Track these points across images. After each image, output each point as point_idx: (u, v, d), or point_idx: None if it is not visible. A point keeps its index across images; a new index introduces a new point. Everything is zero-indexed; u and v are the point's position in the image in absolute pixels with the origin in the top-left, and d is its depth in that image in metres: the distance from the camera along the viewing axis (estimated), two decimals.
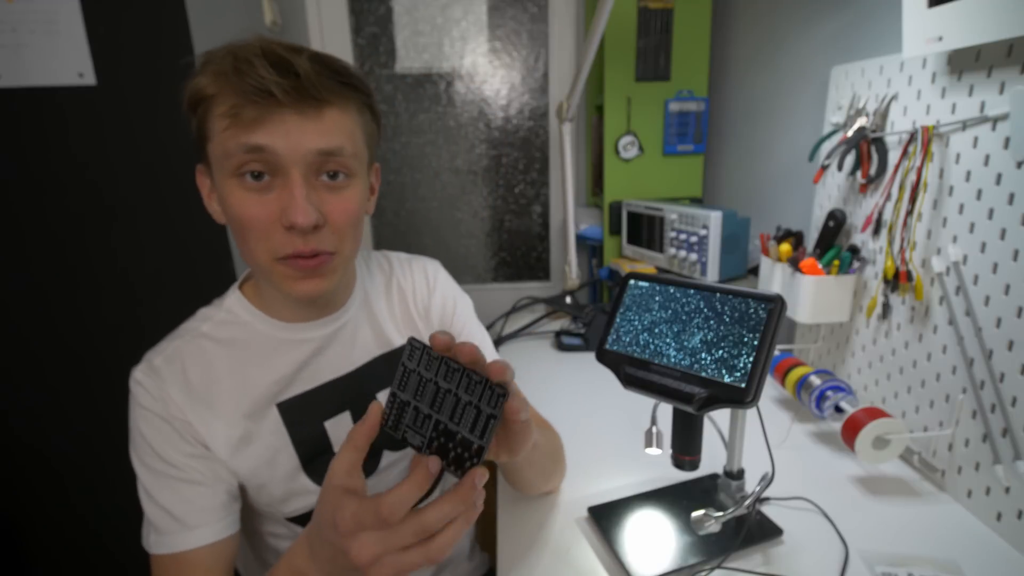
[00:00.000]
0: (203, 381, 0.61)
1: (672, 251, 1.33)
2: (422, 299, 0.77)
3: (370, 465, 0.70)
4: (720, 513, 0.63)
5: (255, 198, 0.54)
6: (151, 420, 0.59)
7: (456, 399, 0.42)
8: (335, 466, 0.43)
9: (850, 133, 0.87)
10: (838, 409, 0.82)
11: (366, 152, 0.61)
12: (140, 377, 0.61)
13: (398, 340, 0.73)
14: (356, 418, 0.68)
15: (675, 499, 0.74)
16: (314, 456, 0.66)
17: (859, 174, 0.87)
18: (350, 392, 0.68)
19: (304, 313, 0.65)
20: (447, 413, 0.42)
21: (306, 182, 0.54)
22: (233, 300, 0.66)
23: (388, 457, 0.72)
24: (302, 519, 0.68)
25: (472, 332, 0.80)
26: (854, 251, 0.90)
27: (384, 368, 0.72)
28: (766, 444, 0.68)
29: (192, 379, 0.61)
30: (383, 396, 0.71)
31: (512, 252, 2.12)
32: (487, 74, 1.88)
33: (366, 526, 0.40)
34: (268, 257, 0.56)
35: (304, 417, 0.65)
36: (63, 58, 1.13)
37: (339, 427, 0.68)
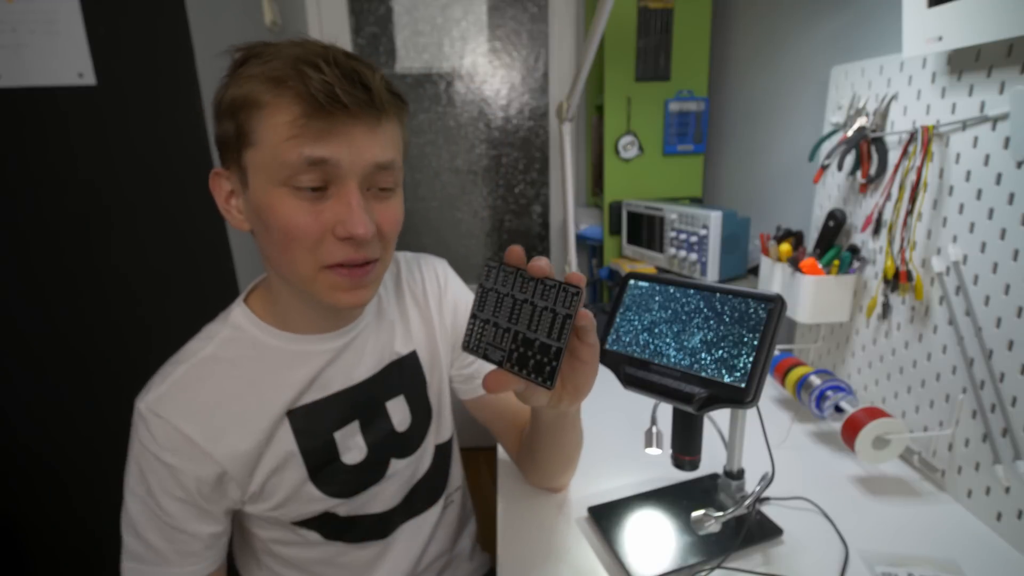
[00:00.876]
0: (213, 404, 0.59)
1: (672, 251, 1.33)
2: (434, 298, 0.76)
3: (377, 472, 0.69)
4: (720, 513, 0.63)
5: (307, 207, 0.52)
6: (149, 461, 0.58)
7: (532, 307, 0.44)
8: None
9: (850, 133, 0.87)
10: (838, 409, 0.82)
11: (403, 163, 0.62)
12: (144, 412, 0.58)
13: (408, 347, 0.72)
14: (365, 427, 0.68)
15: (675, 499, 0.74)
16: (322, 466, 0.65)
17: (859, 174, 0.87)
18: (360, 402, 0.67)
19: (322, 324, 0.64)
20: (524, 323, 0.45)
21: (362, 193, 0.54)
22: (239, 315, 0.64)
23: (395, 465, 0.71)
24: (309, 523, 0.67)
25: None
26: (854, 251, 0.90)
27: (394, 376, 0.71)
28: (766, 444, 0.68)
29: (202, 405, 0.59)
30: (392, 405, 0.70)
31: None
32: (487, 74, 1.88)
33: None
34: (314, 266, 0.55)
35: (313, 427, 0.64)
36: (63, 58, 1.13)
37: (347, 437, 0.66)
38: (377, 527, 0.72)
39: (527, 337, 0.45)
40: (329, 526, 0.68)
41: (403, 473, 0.72)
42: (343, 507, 0.68)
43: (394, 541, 0.74)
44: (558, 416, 0.63)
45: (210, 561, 0.62)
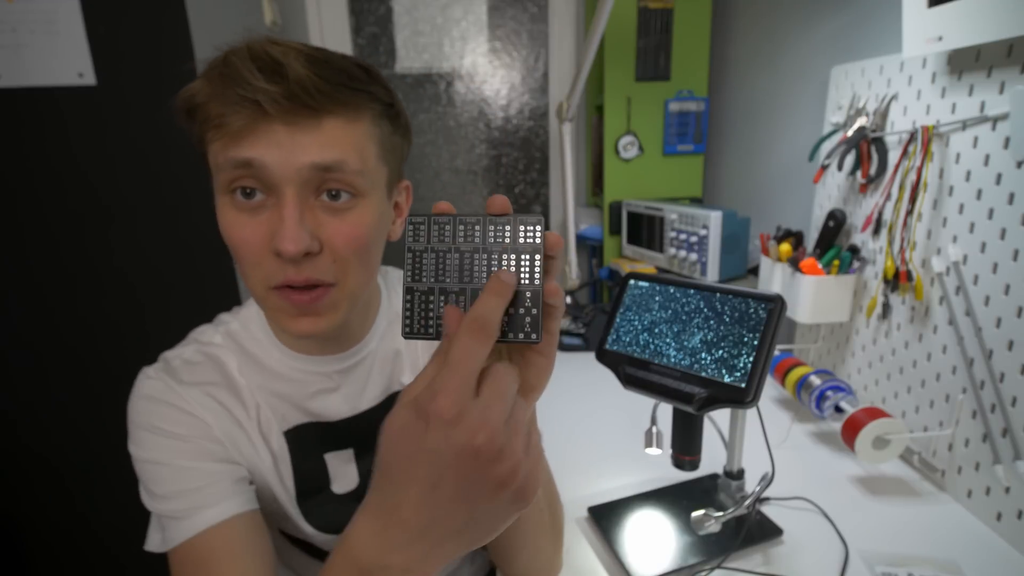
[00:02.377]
0: (221, 383, 0.59)
1: (672, 251, 1.33)
2: None
3: (368, 461, 0.67)
4: (720, 513, 0.63)
5: (245, 219, 0.48)
6: (150, 407, 0.56)
7: (487, 255, 0.36)
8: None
9: (850, 133, 0.87)
10: (838, 409, 0.82)
11: (383, 168, 0.53)
12: (152, 372, 0.57)
13: (411, 377, 0.67)
14: (360, 456, 0.65)
15: (675, 499, 0.74)
16: (310, 492, 0.63)
17: (859, 174, 0.87)
18: (358, 432, 0.64)
19: (314, 347, 0.60)
20: (482, 276, 0.36)
21: (301, 202, 0.47)
22: (251, 313, 0.62)
23: None
24: (292, 537, 0.66)
25: None
26: (854, 251, 0.90)
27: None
28: (766, 444, 0.68)
29: (211, 382, 0.58)
30: None
31: None
32: (487, 74, 1.88)
33: (468, 391, 0.30)
34: (262, 286, 0.49)
35: (307, 447, 0.62)
36: (63, 58, 1.13)
37: (341, 463, 0.64)
38: None
39: None
40: (314, 549, 0.67)
41: None
42: (329, 543, 0.65)
43: None
44: None
45: (247, 498, 0.56)
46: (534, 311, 0.35)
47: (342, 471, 0.64)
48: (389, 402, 0.66)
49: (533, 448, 0.32)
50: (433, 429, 0.29)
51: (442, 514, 0.31)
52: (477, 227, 0.36)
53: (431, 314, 0.36)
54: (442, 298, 0.36)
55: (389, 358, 0.65)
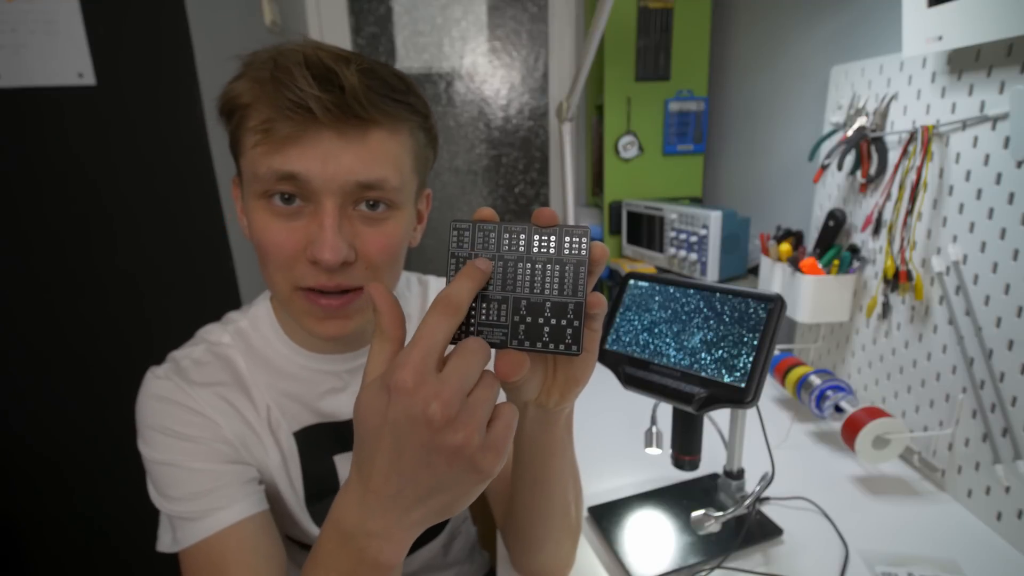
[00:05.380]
0: (232, 385, 0.58)
1: (672, 251, 1.33)
2: None
3: None
4: (720, 513, 0.63)
5: (281, 224, 0.48)
6: (160, 408, 0.55)
7: (531, 265, 0.36)
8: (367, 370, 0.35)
9: (850, 133, 0.87)
10: (838, 409, 0.82)
11: (414, 180, 0.54)
12: (161, 372, 0.57)
13: None
14: None
15: (675, 499, 0.74)
16: (319, 494, 0.63)
17: (859, 174, 0.87)
18: None
19: (327, 346, 0.61)
20: (526, 285, 0.36)
21: (340, 212, 0.48)
22: (261, 311, 0.62)
23: None
24: (298, 542, 0.66)
25: None
26: (854, 251, 0.90)
27: None
28: (766, 444, 0.68)
29: (221, 382, 0.58)
30: None
31: None
32: (487, 74, 1.88)
33: (429, 364, 0.31)
34: (288, 286, 0.51)
35: (316, 449, 0.62)
36: (63, 58, 1.13)
37: (347, 463, 0.61)
38: None
39: (533, 301, 0.36)
40: None
41: None
42: None
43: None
44: (545, 425, 0.47)
45: (258, 498, 0.56)
46: (576, 323, 0.35)
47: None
48: None
49: (500, 425, 0.33)
50: (393, 401, 0.31)
51: (407, 481, 0.32)
52: (522, 236, 0.36)
53: (473, 321, 0.36)
54: (484, 305, 0.36)
55: None
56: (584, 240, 0.35)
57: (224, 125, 0.52)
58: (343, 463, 0.64)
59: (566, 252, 0.36)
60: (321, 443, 0.62)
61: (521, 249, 0.36)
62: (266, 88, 0.46)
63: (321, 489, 0.63)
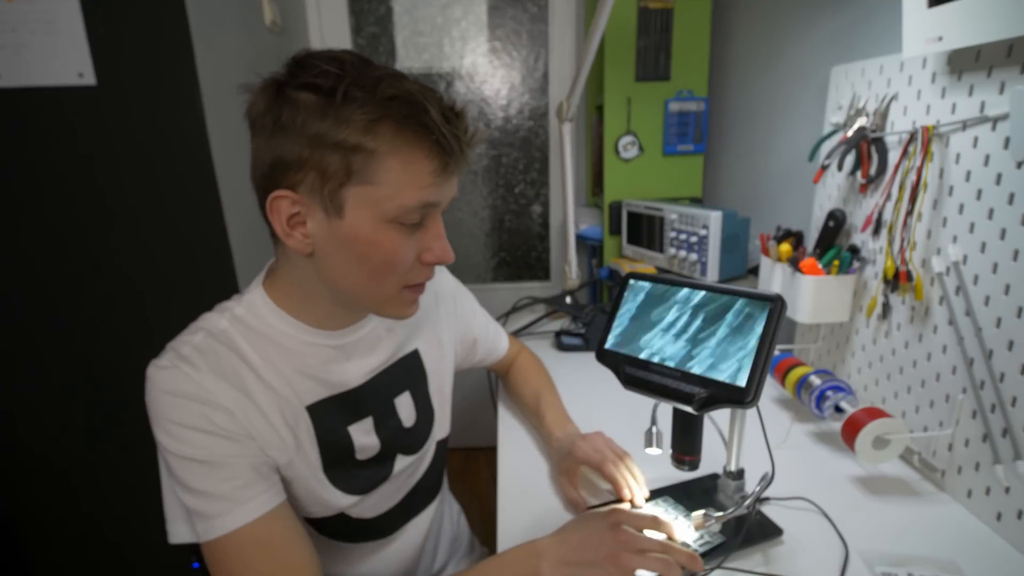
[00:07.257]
0: (237, 368, 0.59)
1: (672, 251, 1.33)
2: (431, 294, 0.78)
3: (385, 470, 0.71)
4: (720, 513, 0.63)
5: (404, 239, 0.57)
6: (176, 403, 0.55)
7: None
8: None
9: (850, 133, 0.87)
10: (838, 409, 0.82)
11: None
12: (164, 364, 0.57)
13: (411, 344, 0.74)
14: (378, 423, 0.69)
15: (675, 499, 0.74)
16: (336, 461, 0.66)
17: (859, 174, 0.87)
18: (371, 398, 0.68)
19: (339, 321, 0.65)
20: None
21: None
22: (257, 296, 0.63)
23: (402, 461, 0.72)
24: (318, 523, 0.67)
25: (476, 317, 0.88)
26: (854, 251, 0.90)
27: (400, 373, 0.72)
28: (766, 444, 0.68)
29: (226, 367, 0.58)
30: (399, 401, 0.72)
31: (512, 252, 2.12)
32: (487, 74, 1.88)
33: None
34: (397, 287, 0.60)
35: (330, 422, 0.64)
36: (63, 58, 1.13)
37: (361, 431, 0.68)
38: (380, 528, 0.73)
39: None
40: (341, 531, 0.70)
41: (406, 471, 0.74)
42: (355, 508, 0.69)
43: (394, 539, 0.75)
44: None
45: (277, 491, 0.59)
46: None
47: (364, 441, 0.68)
48: (393, 368, 0.71)
49: (646, 563, 0.55)
50: (606, 519, 0.59)
51: (582, 551, 0.56)
52: None
53: None
54: None
55: (389, 326, 0.71)
56: None
57: (328, 155, 0.52)
58: (357, 432, 0.67)
59: None
60: (335, 413, 0.65)
61: None
62: (419, 134, 0.53)
63: (339, 456, 0.66)
